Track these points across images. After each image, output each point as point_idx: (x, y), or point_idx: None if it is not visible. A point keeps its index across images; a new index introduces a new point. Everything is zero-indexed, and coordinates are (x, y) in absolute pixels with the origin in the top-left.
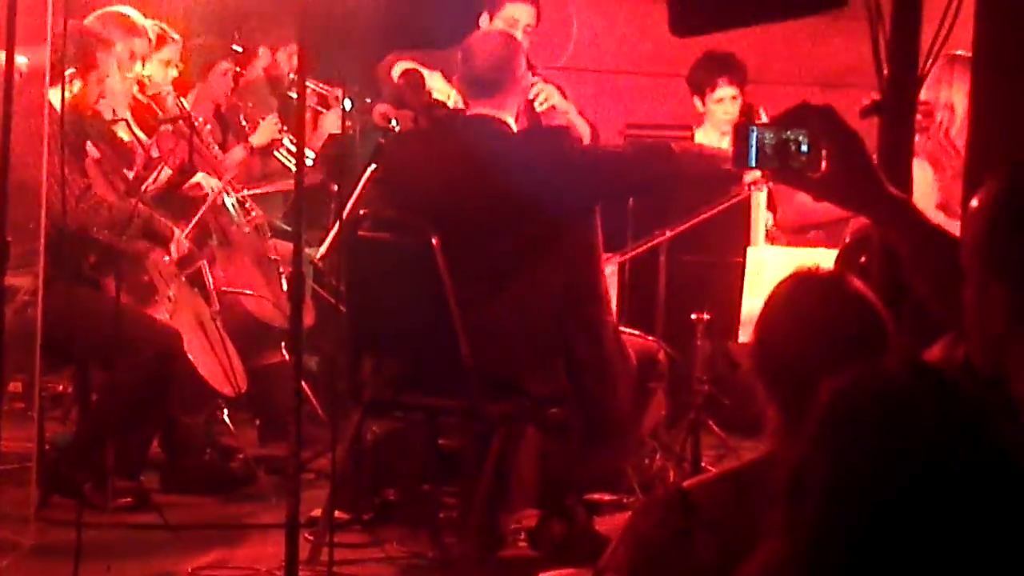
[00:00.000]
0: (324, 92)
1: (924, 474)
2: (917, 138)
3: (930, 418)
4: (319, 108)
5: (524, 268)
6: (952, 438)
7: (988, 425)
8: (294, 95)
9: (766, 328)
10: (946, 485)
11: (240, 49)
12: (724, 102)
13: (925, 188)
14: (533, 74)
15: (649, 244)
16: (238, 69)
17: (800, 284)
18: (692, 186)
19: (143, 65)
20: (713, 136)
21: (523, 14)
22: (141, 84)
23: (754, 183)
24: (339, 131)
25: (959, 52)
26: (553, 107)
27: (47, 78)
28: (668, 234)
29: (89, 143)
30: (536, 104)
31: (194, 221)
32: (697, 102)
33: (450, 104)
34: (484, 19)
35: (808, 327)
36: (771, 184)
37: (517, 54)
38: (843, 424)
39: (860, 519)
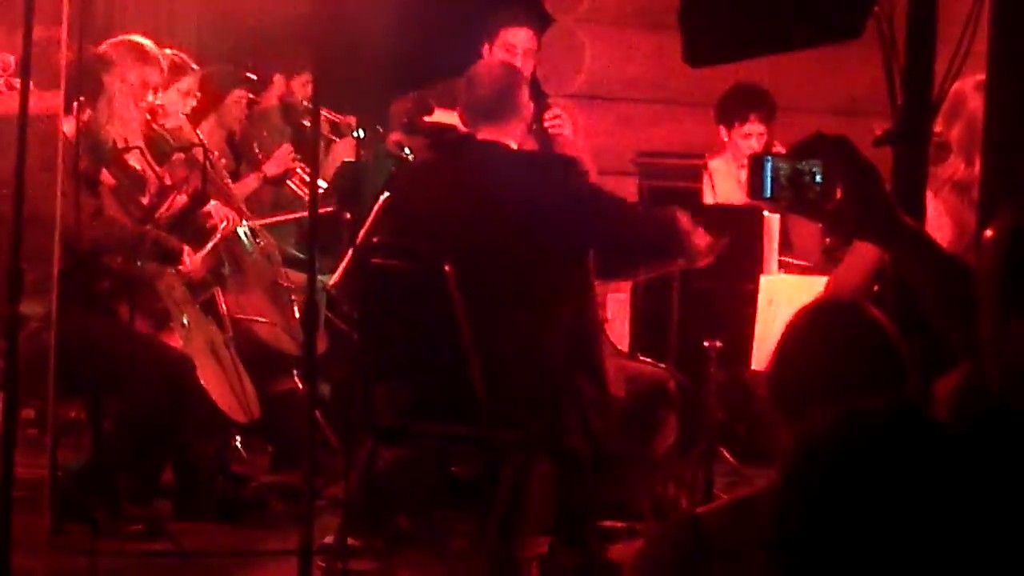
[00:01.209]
0: (337, 121)
1: (893, 515)
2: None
3: (902, 460)
4: (332, 137)
5: (533, 297)
6: (927, 480)
7: (970, 467)
8: (308, 123)
9: (783, 356)
10: (914, 524)
11: (254, 77)
12: (751, 137)
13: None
14: (546, 102)
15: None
16: (252, 97)
17: (817, 313)
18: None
19: (155, 95)
20: (731, 166)
21: (519, 39)
22: (153, 112)
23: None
24: (351, 160)
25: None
26: (562, 134)
27: (61, 108)
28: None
29: (104, 170)
30: (547, 117)
31: (207, 249)
32: (723, 132)
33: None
34: (485, 49)
35: (824, 356)
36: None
37: (519, 83)
38: (810, 465)
39: (830, 559)
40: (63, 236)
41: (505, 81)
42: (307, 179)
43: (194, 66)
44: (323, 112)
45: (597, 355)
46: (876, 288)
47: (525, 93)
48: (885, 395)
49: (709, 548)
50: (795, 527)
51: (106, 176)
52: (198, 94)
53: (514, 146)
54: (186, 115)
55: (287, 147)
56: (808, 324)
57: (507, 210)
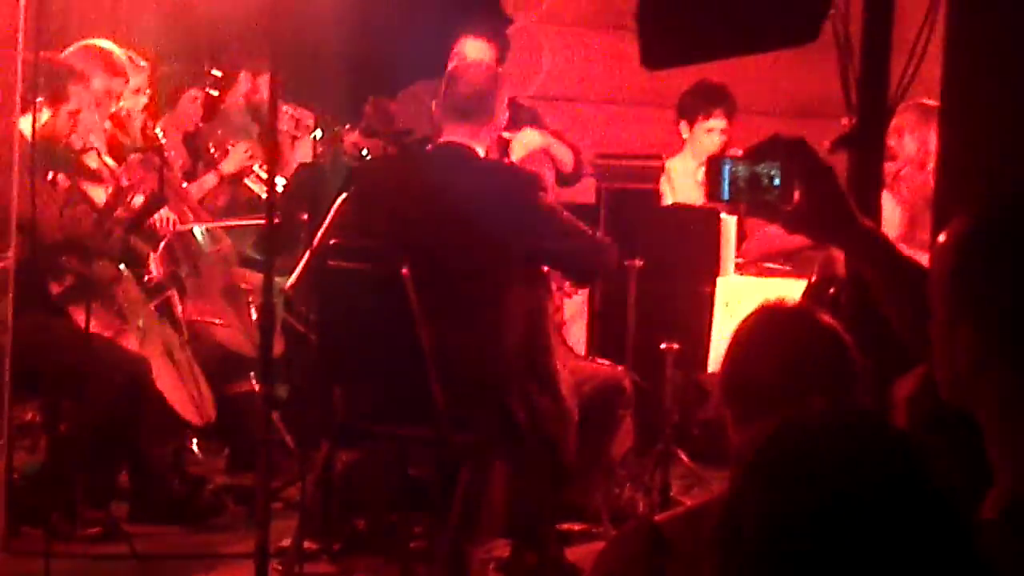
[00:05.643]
0: (300, 118)
1: (845, 521)
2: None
3: (854, 464)
4: (296, 134)
5: (487, 301)
6: (877, 484)
7: (919, 471)
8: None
9: (734, 360)
10: (867, 531)
11: (219, 74)
12: (714, 132)
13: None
14: (511, 102)
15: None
16: (210, 94)
17: (768, 316)
18: None
19: (118, 102)
20: (691, 164)
21: (470, 49)
22: (119, 121)
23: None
24: (310, 160)
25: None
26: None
27: (17, 108)
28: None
29: (60, 175)
30: (512, 156)
31: (161, 248)
32: (684, 128)
33: None
34: (453, 55)
35: (776, 359)
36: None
37: (499, 88)
38: (765, 471)
39: (783, 566)
40: (23, 228)
41: (486, 85)
42: (264, 178)
43: (142, 63)
44: (288, 108)
45: (550, 365)
46: (832, 291)
47: (502, 100)
48: (834, 399)
49: (668, 555)
50: (748, 529)
51: (62, 178)
52: (148, 91)
53: (480, 151)
54: (142, 113)
55: (243, 145)
56: (758, 327)
57: (465, 214)
